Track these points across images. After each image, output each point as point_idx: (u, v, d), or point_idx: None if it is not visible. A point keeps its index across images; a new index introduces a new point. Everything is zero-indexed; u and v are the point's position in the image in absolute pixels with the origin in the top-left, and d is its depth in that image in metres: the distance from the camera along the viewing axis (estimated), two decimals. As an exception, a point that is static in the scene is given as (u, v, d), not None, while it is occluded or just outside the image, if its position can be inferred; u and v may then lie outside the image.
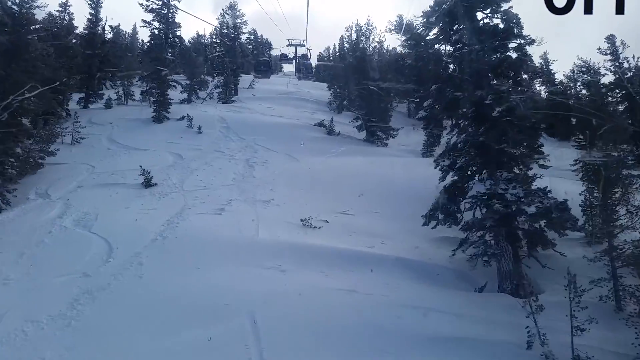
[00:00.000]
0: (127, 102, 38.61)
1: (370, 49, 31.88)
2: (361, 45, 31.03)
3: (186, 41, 67.00)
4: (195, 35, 75.23)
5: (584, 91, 33.25)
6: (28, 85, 24.74)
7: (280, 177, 21.74)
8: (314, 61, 70.38)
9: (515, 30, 15.57)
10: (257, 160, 24.05)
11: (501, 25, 15.71)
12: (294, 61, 67.23)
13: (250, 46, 72.90)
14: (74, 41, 37.73)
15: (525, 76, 15.95)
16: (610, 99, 29.85)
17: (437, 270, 14.77)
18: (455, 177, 15.56)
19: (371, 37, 31.74)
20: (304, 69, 62.43)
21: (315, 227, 16.68)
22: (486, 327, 11.24)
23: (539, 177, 14.54)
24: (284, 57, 67.27)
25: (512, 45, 15.72)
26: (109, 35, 45.96)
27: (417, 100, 40.38)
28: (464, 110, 14.61)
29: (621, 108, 29.72)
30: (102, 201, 17.99)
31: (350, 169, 23.10)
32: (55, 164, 22.22)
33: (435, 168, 15.97)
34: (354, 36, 37.52)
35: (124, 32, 63.81)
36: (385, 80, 31.30)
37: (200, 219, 16.39)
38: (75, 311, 10.79)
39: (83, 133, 26.65)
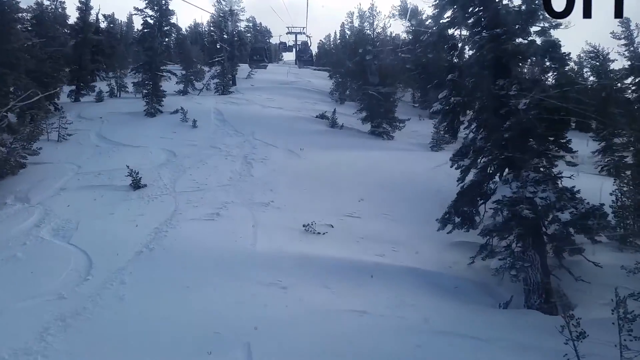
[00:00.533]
0: (119, 95, 36.98)
1: (374, 35, 30.01)
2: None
3: (183, 30, 65.35)
4: (192, 24, 73.58)
5: (591, 78, 31.48)
6: (30, 91, 23.86)
7: (281, 175, 20.19)
8: (314, 49, 68.75)
9: (539, 13, 13.92)
10: (256, 156, 22.47)
11: (523, 7, 14.07)
12: (294, 49, 65.60)
13: (249, 34, 70.97)
14: (65, 30, 36.07)
15: (549, 64, 14.15)
16: (620, 84, 28.03)
17: (455, 282, 13.26)
18: (474, 178, 14.01)
19: (375, 23, 29.85)
20: (304, 57, 60.68)
21: (319, 233, 15.16)
22: (519, 354, 9.73)
23: (571, 177, 12.87)
24: (283, 46, 65.43)
25: (535, 29, 14.11)
26: (103, 25, 44.53)
27: (423, 92, 38.81)
28: (485, 102, 12.99)
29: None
30: (86, 206, 16.47)
31: (355, 166, 21.53)
32: (39, 163, 20.71)
33: (452, 167, 14.41)
34: (356, 23, 35.76)
35: (120, 22, 62.16)
36: (389, 74, 29.56)
37: (191, 226, 14.85)
38: (44, 344, 9.28)
39: (70, 129, 25.05)
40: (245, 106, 32.69)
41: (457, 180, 13.98)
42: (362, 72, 29.45)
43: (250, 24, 73.61)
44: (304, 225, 15.14)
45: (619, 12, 3.78)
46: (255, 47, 51.66)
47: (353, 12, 36.26)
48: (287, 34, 66.83)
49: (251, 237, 14.30)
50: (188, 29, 71.45)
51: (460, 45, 15.75)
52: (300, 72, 54.44)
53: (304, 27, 66.35)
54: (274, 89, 41.11)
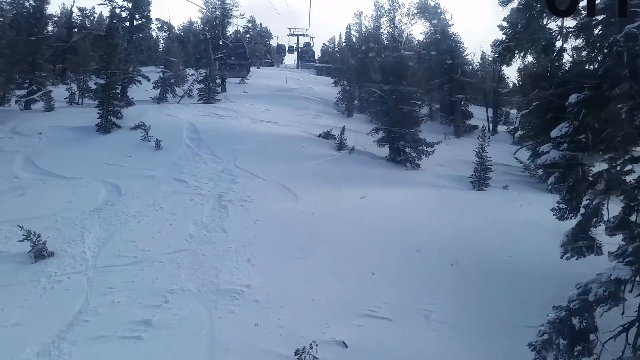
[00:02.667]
0: (82, 102, 30.62)
1: (395, 32, 23.65)
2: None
3: (175, 28, 59.39)
4: (187, 23, 67.73)
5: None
6: None
7: (266, 230, 13.76)
8: (317, 51, 63.21)
9: None
10: (235, 196, 16.06)
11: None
12: (295, 51, 60.29)
13: (248, 35, 65.07)
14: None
15: None
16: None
17: None
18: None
19: (397, 19, 23.48)
20: (306, 57, 55.87)
21: (322, 365, 8.69)
22: None
23: None
24: (281, 49, 59.64)
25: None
26: (86, 20, 38.59)
27: (447, 105, 32.63)
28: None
29: None
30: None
31: (372, 213, 15.12)
32: None
33: (563, 256, 8.02)
34: (367, 23, 29.45)
35: (103, 16, 56.18)
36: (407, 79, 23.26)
37: (94, 355, 8.37)
38: None
39: (-10, 150, 18.70)
40: (231, 119, 26.25)
41: (593, 301, 7.47)
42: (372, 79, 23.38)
43: (250, 24, 67.72)
44: (296, 353, 8.63)
45: (623, 11, 3.35)
46: (231, 47, 38.31)
47: (361, 12, 29.84)
48: (289, 35, 61.45)
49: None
50: (181, 27, 65.52)
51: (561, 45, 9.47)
52: (302, 77, 48.36)
53: (306, 29, 60.77)
54: (270, 96, 34.80)
